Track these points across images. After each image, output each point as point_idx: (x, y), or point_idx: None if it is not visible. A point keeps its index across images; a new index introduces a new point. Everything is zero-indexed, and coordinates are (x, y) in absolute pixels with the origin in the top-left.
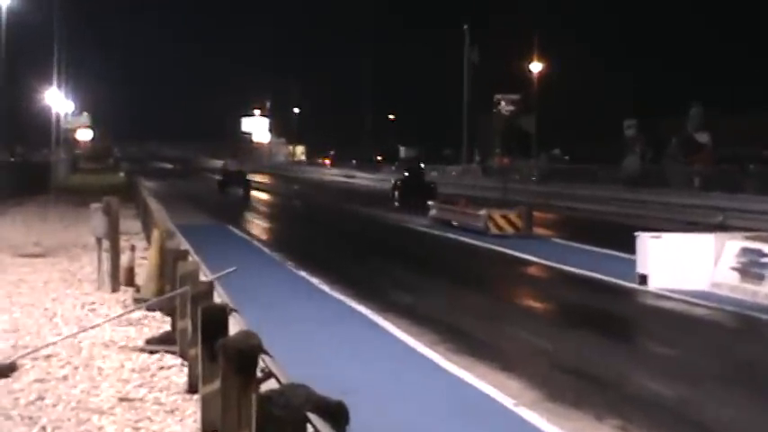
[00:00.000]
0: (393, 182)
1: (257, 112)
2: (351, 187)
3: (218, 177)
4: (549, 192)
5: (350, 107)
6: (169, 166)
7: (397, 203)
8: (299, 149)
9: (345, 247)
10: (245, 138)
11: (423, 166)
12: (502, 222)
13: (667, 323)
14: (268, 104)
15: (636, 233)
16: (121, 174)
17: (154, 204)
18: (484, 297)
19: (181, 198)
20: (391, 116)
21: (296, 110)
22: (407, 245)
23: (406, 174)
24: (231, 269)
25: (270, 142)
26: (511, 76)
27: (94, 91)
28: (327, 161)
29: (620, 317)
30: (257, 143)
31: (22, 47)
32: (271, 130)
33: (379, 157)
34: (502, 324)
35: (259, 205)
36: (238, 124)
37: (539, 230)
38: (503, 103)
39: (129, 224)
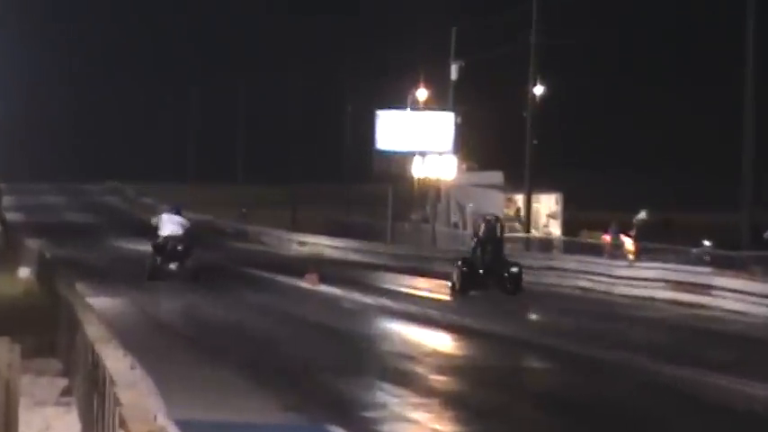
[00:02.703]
0: (458, 263)
1: (421, 94)
2: (699, 323)
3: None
4: None
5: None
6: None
7: (456, 288)
8: (550, 203)
9: None
10: (389, 167)
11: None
12: None
13: None
14: (453, 75)
15: None
16: (23, 271)
17: (117, 364)
18: None
19: (198, 346)
20: None
21: (536, 89)
22: None
23: (475, 244)
24: None
25: (457, 179)
26: None
27: None
28: (628, 242)
29: None
30: (424, 181)
31: None
32: (457, 151)
33: None
34: None
35: (427, 368)
36: (366, 136)
37: None
38: None
39: (47, 420)
